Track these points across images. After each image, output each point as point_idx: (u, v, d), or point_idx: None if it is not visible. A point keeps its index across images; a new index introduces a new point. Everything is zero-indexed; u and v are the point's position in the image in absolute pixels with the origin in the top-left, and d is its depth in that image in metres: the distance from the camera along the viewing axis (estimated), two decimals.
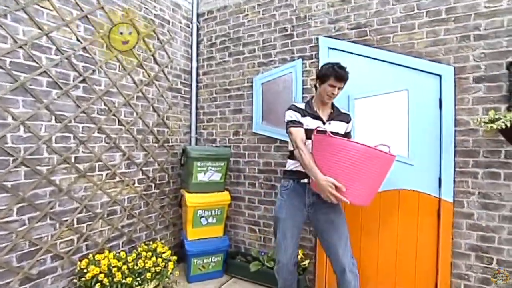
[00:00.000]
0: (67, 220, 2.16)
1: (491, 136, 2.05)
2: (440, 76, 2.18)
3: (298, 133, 1.87)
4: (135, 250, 2.41)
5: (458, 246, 2.14)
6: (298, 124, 1.91)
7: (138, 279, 2.13)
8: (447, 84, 2.15)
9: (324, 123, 1.93)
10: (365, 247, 2.40)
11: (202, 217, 2.68)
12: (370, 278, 2.36)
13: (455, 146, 2.14)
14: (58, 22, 2.09)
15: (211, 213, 2.71)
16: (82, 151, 2.27)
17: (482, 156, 2.08)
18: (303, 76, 2.66)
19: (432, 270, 2.21)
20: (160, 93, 2.88)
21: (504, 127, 1.68)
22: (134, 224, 2.66)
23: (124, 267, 2.11)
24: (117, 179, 2.51)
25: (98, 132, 2.37)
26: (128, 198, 2.61)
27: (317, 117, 1.94)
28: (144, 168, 2.73)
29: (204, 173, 2.69)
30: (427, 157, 2.23)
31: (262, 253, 2.72)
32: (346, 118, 2.04)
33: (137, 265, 2.16)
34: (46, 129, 2.05)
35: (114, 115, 2.47)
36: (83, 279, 2.04)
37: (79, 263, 2.16)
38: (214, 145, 3.15)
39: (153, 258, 2.23)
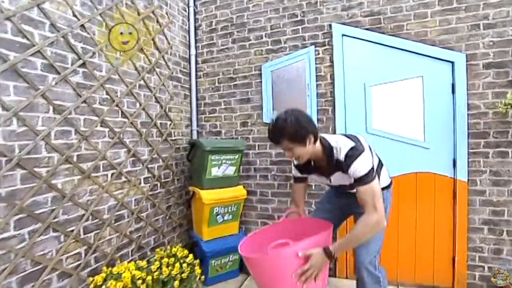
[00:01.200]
0: (72, 231, 1.77)
1: (500, 118, 2.16)
2: (452, 62, 2.23)
3: (293, 190, 1.87)
4: (154, 257, 2.08)
5: (473, 222, 2.23)
6: (298, 180, 1.81)
7: None
8: (460, 70, 2.21)
9: (327, 178, 1.61)
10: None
11: (218, 214, 2.43)
12: (391, 259, 2.37)
13: (468, 129, 2.22)
14: None
15: (227, 209, 2.47)
16: (85, 148, 1.87)
17: (492, 137, 2.19)
18: (316, 64, 2.54)
19: (449, 246, 2.28)
20: (161, 82, 2.52)
21: None
22: (142, 228, 2.30)
23: (149, 278, 1.80)
24: (123, 179, 2.14)
25: (101, 126, 1.97)
26: (135, 200, 2.24)
27: (317, 172, 1.64)
28: (149, 166, 2.37)
29: (218, 168, 2.43)
30: (442, 140, 2.28)
31: None
32: (343, 168, 1.45)
33: (161, 274, 1.86)
34: (43, 123, 1.63)
35: (117, 105, 2.08)
36: None
37: (91, 279, 1.78)
38: (219, 137, 2.89)
39: (177, 264, 1.95)
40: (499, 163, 2.17)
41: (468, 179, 2.21)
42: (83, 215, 1.83)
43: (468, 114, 2.22)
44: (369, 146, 1.56)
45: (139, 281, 1.75)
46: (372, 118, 2.42)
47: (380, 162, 1.67)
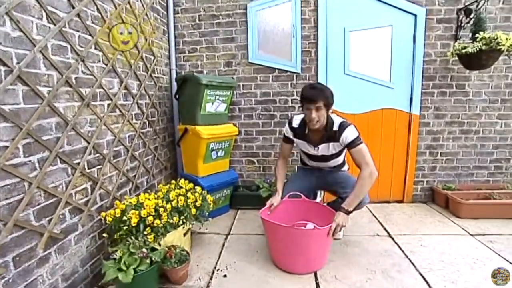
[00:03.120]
0: (78, 164, 1.54)
1: (444, 65, 2.65)
2: (415, 15, 2.58)
3: (283, 149, 2.03)
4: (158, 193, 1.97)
5: (420, 147, 2.78)
6: (288, 141, 1.99)
7: (182, 217, 1.81)
8: (420, 22, 2.58)
9: (314, 147, 1.89)
10: None
11: (213, 150, 2.41)
12: None
13: (422, 73, 2.66)
14: None
15: (221, 145, 2.46)
16: (82, 71, 1.58)
17: (437, 80, 2.68)
18: (301, 6, 2.58)
19: (403, 168, 2.80)
20: (144, 11, 2.21)
21: (476, 51, 2.22)
22: (137, 168, 2.14)
23: (168, 206, 1.73)
24: (118, 112, 1.90)
25: (95, 48, 1.68)
26: (129, 136, 2.04)
27: (307, 141, 1.89)
28: (139, 101, 2.15)
29: (212, 103, 2.36)
30: (403, 82, 2.68)
31: (268, 180, 2.72)
32: (336, 136, 1.77)
33: (178, 203, 1.81)
34: (38, 30, 1.31)
35: (108, 28, 1.78)
36: (124, 227, 1.57)
37: (104, 214, 1.63)
38: None
39: (190, 194, 1.91)
40: (440, 101, 2.71)
41: (420, 113, 2.71)
42: (86, 147, 1.60)
43: (423, 61, 2.64)
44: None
45: (161, 209, 1.68)
46: (350, 61, 2.65)
47: None
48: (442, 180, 2.81)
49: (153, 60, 2.36)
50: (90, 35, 1.63)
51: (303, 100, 1.73)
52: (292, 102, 2.74)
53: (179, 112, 2.61)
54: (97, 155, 1.70)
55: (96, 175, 1.69)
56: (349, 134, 1.73)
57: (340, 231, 1.72)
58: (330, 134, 1.78)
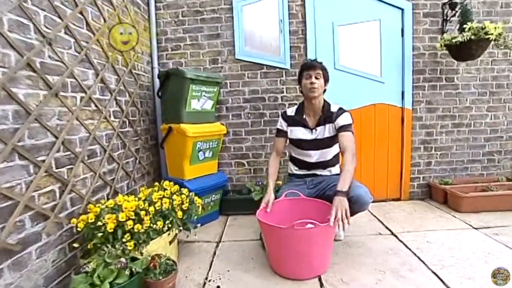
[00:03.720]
0: (43, 161, 1.31)
1: (433, 58, 2.61)
2: (402, 9, 2.55)
3: (276, 144, 1.95)
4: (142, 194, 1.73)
5: (414, 142, 2.69)
6: (281, 134, 1.92)
7: (168, 222, 1.58)
8: (407, 16, 2.54)
9: (311, 130, 1.84)
10: None
11: (200, 150, 2.20)
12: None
13: (412, 67, 2.60)
14: None
15: (209, 145, 2.26)
16: (49, 56, 1.37)
17: (427, 74, 2.63)
18: (288, 1, 2.49)
19: (398, 165, 2.70)
20: (123, 2, 2.04)
21: (465, 40, 2.19)
22: (115, 171, 1.90)
23: (151, 209, 1.51)
24: (93, 107, 1.69)
25: (65, 33, 1.48)
26: (106, 135, 1.81)
27: (304, 125, 1.85)
28: (117, 98, 1.94)
29: (198, 100, 2.17)
30: (394, 76, 2.61)
31: (260, 183, 2.53)
32: (332, 117, 1.79)
33: (162, 205, 1.58)
34: None
35: (81, 12, 1.59)
36: (99, 234, 1.33)
37: (75, 220, 1.38)
38: None
39: (176, 196, 1.69)
40: (431, 94, 2.65)
41: (412, 108, 2.63)
42: (54, 143, 1.37)
43: (412, 55, 2.59)
44: None
45: (142, 212, 1.45)
46: (339, 56, 2.57)
47: None
48: (438, 175, 2.72)
49: (133, 55, 2.18)
50: (59, 17, 1.44)
51: (303, 69, 1.78)
52: (282, 100, 2.60)
53: (162, 112, 2.41)
54: (68, 153, 1.47)
55: (66, 176, 1.45)
56: (345, 118, 1.77)
57: (345, 217, 1.47)
58: (327, 115, 1.80)
